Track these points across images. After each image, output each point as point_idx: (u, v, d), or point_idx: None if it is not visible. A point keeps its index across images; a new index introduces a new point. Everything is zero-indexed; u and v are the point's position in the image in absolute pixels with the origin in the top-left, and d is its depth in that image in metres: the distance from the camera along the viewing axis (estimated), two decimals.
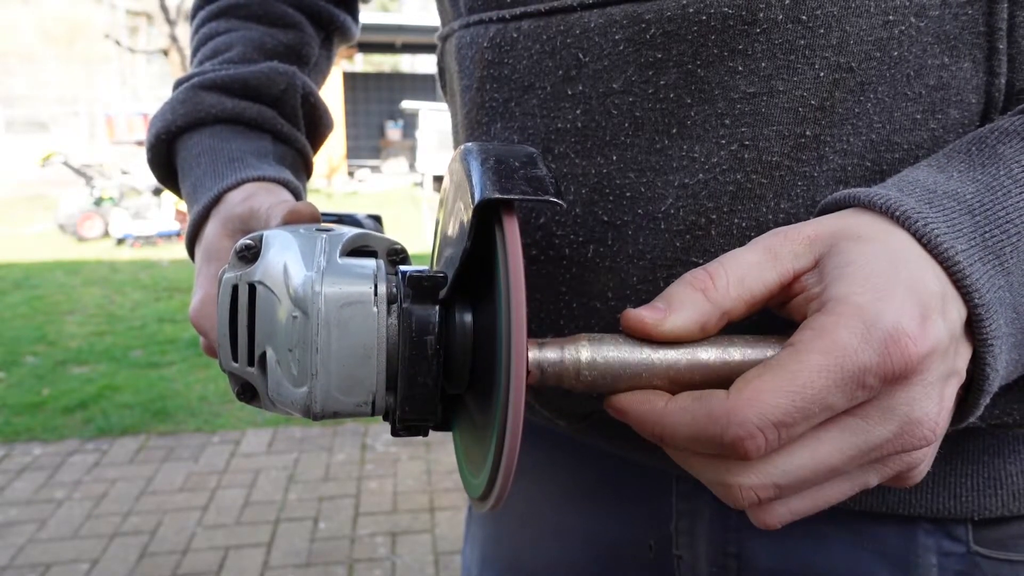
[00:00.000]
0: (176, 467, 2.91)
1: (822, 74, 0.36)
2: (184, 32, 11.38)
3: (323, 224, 0.41)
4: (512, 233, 0.30)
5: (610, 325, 0.42)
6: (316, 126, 0.64)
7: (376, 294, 0.33)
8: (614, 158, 0.41)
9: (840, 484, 0.31)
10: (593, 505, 0.54)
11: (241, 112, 0.57)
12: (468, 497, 0.37)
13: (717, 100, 0.38)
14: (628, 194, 0.40)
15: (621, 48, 0.40)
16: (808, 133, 0.37)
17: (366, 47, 15.49)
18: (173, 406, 3.46)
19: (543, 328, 0.45)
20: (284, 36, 0.64)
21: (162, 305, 5.22)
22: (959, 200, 0.31)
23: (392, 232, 0.46)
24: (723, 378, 0.31)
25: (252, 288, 0.35)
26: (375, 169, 14.23)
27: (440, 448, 3.03)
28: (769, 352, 0.31)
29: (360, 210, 0.55)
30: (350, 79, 14.76)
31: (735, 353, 0.32)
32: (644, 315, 0.31)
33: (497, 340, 0.31)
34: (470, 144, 0.36)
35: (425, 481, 2.79)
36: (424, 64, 21.90)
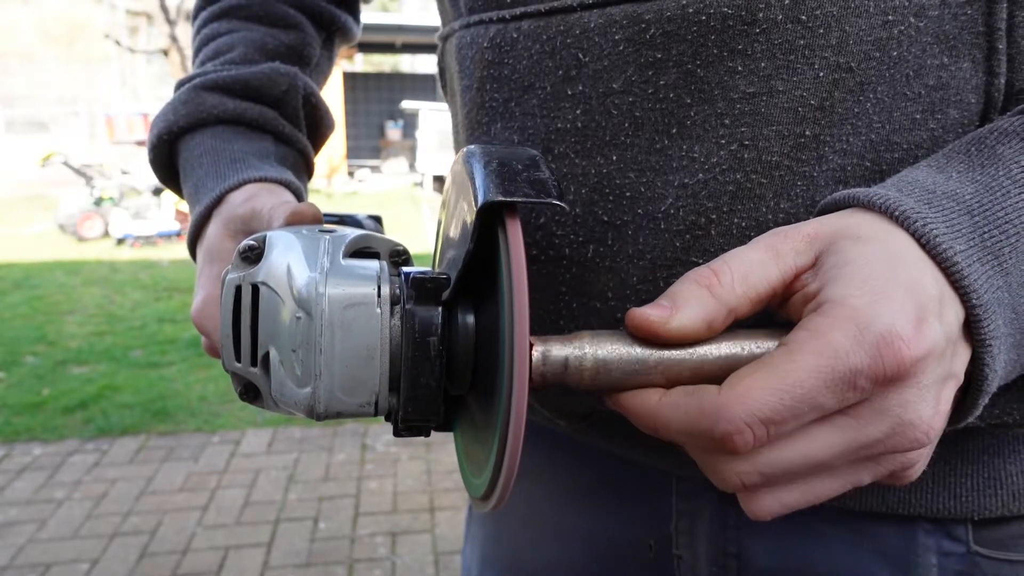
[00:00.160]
0: (176, 467, 2.91)
1: (822, 74, 0.36)
2: (184, 32, 11.38)
3: (326, 225, 0.42)
4: (515, 235, 0.31)
5: (610, 325, 0.42)
6: (317, 127, 0.64)
7: (379, 295, 0.34)
8: (614, 158, 0.41)
9: (831, 480, 0.31)
10: (593, 505, 0.55)
11: (243, 113, 0.57)
12: (469, 497, 0.37)
13: (717, 100, 0.38)
14: (628, 194, 0.41)
15: (621, 48, 0.40)
16: (808, 133, 0.37)
17: (366, 47, 15.49)
18: (173, 406, 3.46)
19: (543, 328, 0.45)
20: (285, 37, 0.64)
21: (162, 305, 5.22)
22: (958, 200, 0.32)
23: (392, 232, 0.46)
24: (724, 374, 0.31)
25: (255, 289, 0.35)
26: (375, 169, 14.23)
27: (440, 448, 3.03)
28: (768, 349, 0.32)
29: (360, 210, 0.56)
30: (350, 79, 14.76)
31: (735, 349, 0.32)
32: (650, 314, 0.31)
33: (500, 341, 0.31)
34: (473, 147, 0.37)
35: (425, 481, 2.79)
36: (424, 64, 21.90)
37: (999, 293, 0.31)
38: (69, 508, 2.60)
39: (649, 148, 0.40)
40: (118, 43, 13.50)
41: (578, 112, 0.42)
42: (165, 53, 11.84)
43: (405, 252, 0.40)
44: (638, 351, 0.32)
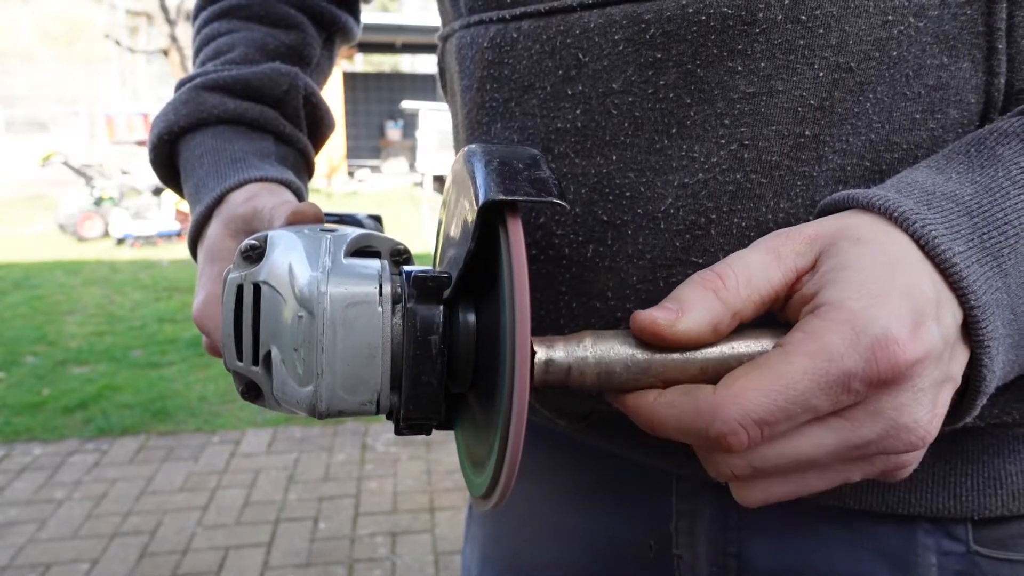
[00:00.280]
0: (176, 467, 2.91)
1: (821, 74, 0.36)
2: (184, 32, 11.38)
3: (327, 225, 0.42)
4: (516, 235, 0.31)
5: (610, 325, 0.42)
6: (318, 126, 0.64)
7: (381, 294, 0.34)
8: (614, 158, 0.41)
9: (822, 475, 0.32)
10: (593, 505, 0.55)
11: (243, 113, 0.57)
12: (470, 495, 0.37)
13: (716, 100, 0.38)
14: (628, 194, 0.41)
15: (621, 48, 0.40)
16: (807, 133, 0.37)
17: (366, 47, 15.50)
18: (173, 406, 3.46)
19: (543, 327, 0.45)
20: (286, 37, 0.64)
21: (162, 305, 5.22)
22: (957, 201, 0.32)
23: (392, 232, 0.47)
24: (727, 370, 0.32)
25: (257, 288, 0.35)
26: (375, 169, 14.24)
27: (440, 448, 3.03)
28: (767, 349, 0.32)
29: (360, 210, 0.56)
30: (350, 79, 14.76)
31: (736, 349, 0.32)
32: (656, 316, 0.31)
33: (501, 340, 0.31)
34: (474, 146, 0.37)
35: (425, 481, 2.79)
36: (424, 64, 21.90)
37: (998, 294, 0.31)
38: (69, 508, 2.60)
39: (649, 148, 0.40)
40: (118, 43, 13.50)
41: (578, 112, 0.42)
42: (165, 53, 11.85)
43: (406, 251, 0.40)
44: (640, 353, 0.32)
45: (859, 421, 0.30)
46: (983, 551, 0.43)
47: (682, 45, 0.38)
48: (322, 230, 0.38)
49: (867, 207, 0.32)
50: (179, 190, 0.60)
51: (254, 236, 0.37)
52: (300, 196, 0.54)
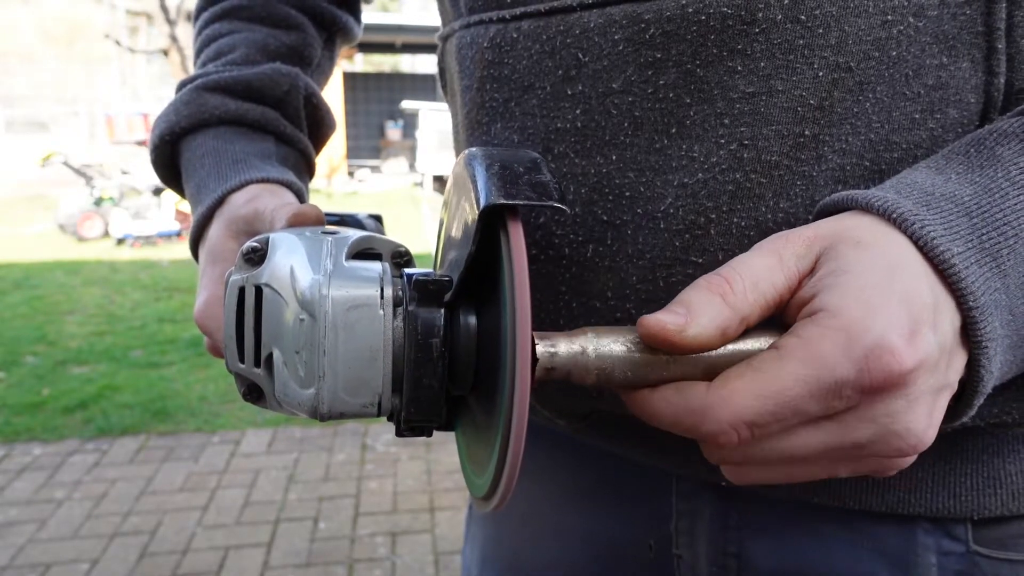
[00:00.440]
0: (176, 467, 2.91)
1: (821, 74, 0.36)
2: (184, 32, 11.38)
3: (328, 227, 0.42)
4: (517, 238, 0.31)
5: (609, 324, 0.42)
6: (318, 127, 0.64)
7: (383, 297, 0.34)
8: (613, 158, 0.41)
9: (808, 469, 0.32)
10: (593, 505, 0.55)
11: (244, 114, 0.57)
12: (472, 497, 0.37)
13: (716, 100, 0.38)
14: (627, 193, 0.41)
15: (620, 48, 0.40)
16: (807, 133, 0.37)
17: (366, 47, 15.49)
18: (173, 406, 3.46)
19: (543, 327, 0.45)
20: (287, 37, 0.64)
21: (162, 305, 5.22)
22: (957, 202, 0.32)
23: (392, 232, 0.47)
24: (726, 367, 0.32)
25: (259, 290, 0.35)
26: (375, 169, 14.23)
27: (440, 448, 3.03)
28: (769, 344, 0.32)
29: (360, 210, 0.56)
30: (350, 79, 14.76)
31: (738, 347, 0.32)
32: (666, 322, 0.30)
33: (502, 343, 0.31)
34: (474, 149, 0.37)
35: (425, 481, 2.79)
36: (424, 64, 21.90)
37: (996, 295, 0.31)
38: (69, 508, 2.60)
39: (648, 148, 0.40)
40: (118, 43, 13.50)
41: (578, 112, 0.42)
42: (165, 53, 11.84)
43: (407, 253, 0.40)
44: (642, 351, 0.32)
45: (850, 425, 0.30)
46: (983, 551, 0.43)
47: (682, 45, 0.38)
48: (323, 232, 0.38)
49: (866, 208, 0.32)
50: (180, 191, 0.60)
51: (256, 238, 0.37)
52: (301, 197, 0.54)
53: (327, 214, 0.50)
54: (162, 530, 2.47)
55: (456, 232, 0.38)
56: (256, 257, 0.36)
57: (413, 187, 12.30)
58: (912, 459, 0.32)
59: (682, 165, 0.39)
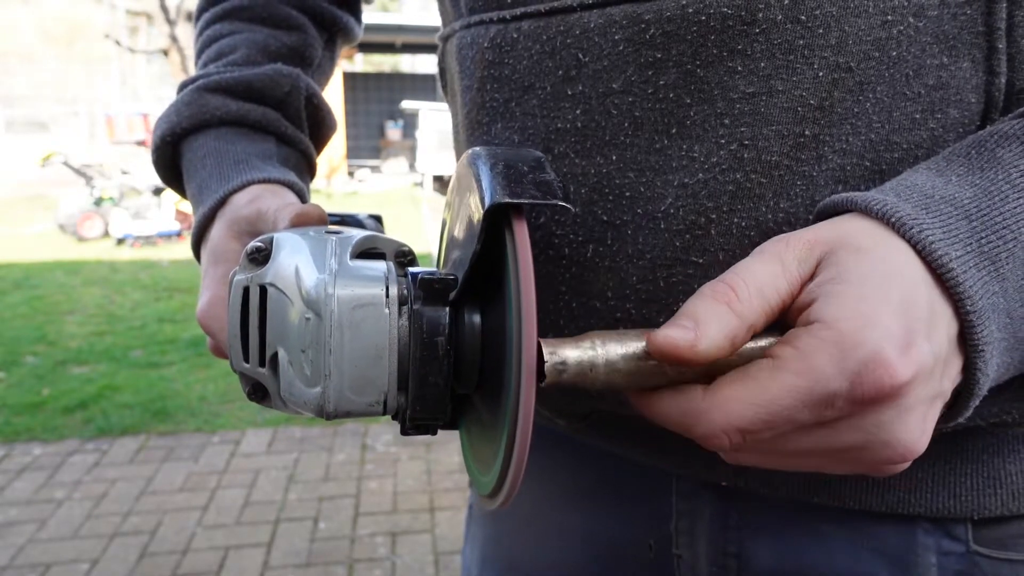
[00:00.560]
0: (176, 467, 2.91)
1: (821, 74, 0.36)
2: (184, 32, 11.37)
3: (331, 227, 0.42)
4: (522, 236, 0.31)
5: (610, 325, 0.42)
6: (319, 127, 0.64)
7: (388, 296, 0.34)
8: (614, 158, 0.41)
9: (800, 462, 0.33)
10: (593, 505, 0.55)
11: (246, 114, 0.57)
12: (477, 495, 0.38)
13: (716, 100, 0.38)
14: (628, 194, 0.41)
15: (621, 48, 0.40)
16: (807, 133, 0.37)
17: (366, 47, 15.49)
18: (173, 406, 3.46)
19: (543, 327, 0.45)
20: (288, 38, 0.64)
21: (162, 305, 5.21)
22: (956, 205, 0.32)
23: (392, 232, 0.47)
24: (725, 368, 0.32)
25: (263, 290, 0.35)
26: (375, 169, 14.23)
27: (440, 448, 3.03)
28: (767, 348, 0.32)
29: (360, 210, 0.56)
30: (350, 79, 14.76)
31: (741, 349, 0.32)
32: (676, 339, 0.30)
33: (507, 341, 0.31)
34: (478, 148, 0.37)
35: (425, 481, 2.79)
36: (424, 64, 21.90)
37: (994, 299, 0.31)
38: (69, 508, 2.60)
39: (649, 148, 0.40)
40: (118, 43, 13.49)
41: (578, 112, 0.42)
42: (165, 53, 11.84)
43: (410, 253, 0.40)
44: (648, 358, 0.32)
45: (840, 432, 0.30)
46: (983, 551, 0.43)
47: (682, 45, 0.38)
48: (327, 232, 0.38)
49: (865, 211, 0.32)
50: (182, 191, 0.60)
51: (260, 238, 0.37)
52: (303, 197, 0.55)
53: (328, 215, 0.50)
54: (162, 530, 2.47)
55: (460, 231, 0.38)
56: (260, 257, 0.36)
57: (413, 187, 12.29)
58: (905, 466, 0.32)
59: (682, 165, 0.39)
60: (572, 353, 0.32)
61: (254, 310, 0.36)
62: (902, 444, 0.30)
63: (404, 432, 0.36)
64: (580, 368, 0.32)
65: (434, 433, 0.37)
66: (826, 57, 0.36)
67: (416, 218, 8.68)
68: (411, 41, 13.70)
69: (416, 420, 0.35)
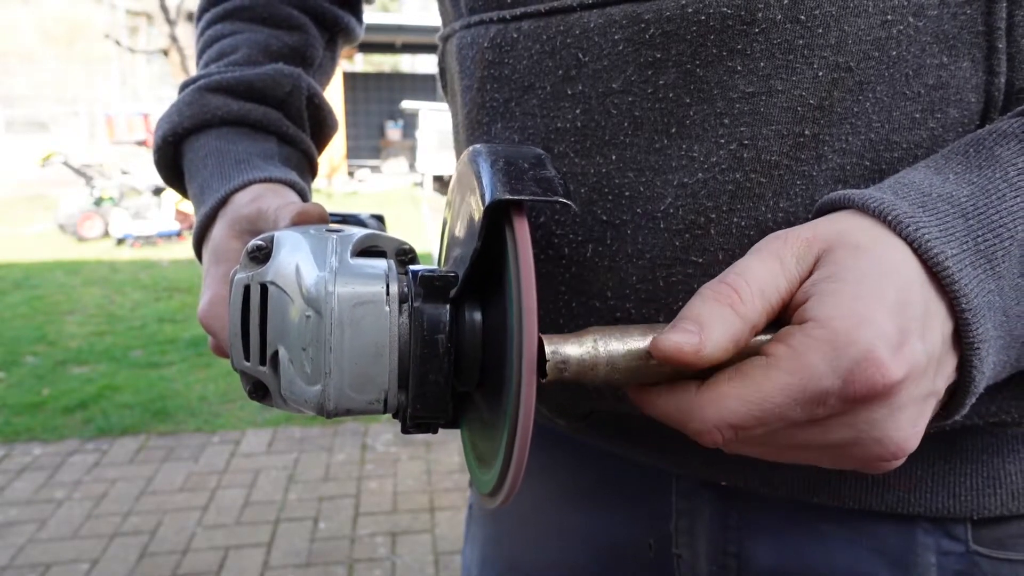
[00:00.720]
0: (176, 467, 2.91)
1: (821, 74, 0.36)
2: (184, 32, 11.37)
3: (332, 225, 0.42)
4: (522, 234, 0.31)
5: (609, 324, 0.42)
6: (321, 127, 0.64)
7: (388, 294, 0.34)
8: (613, 157, 0.41)
9: (793, 454, 0.33)
10: (593, 504, 0.55)
11: (247, 114, 0.58)
12: (478, 493, 0.38)
13: (716, 100, 0.38)
14: (627, 193, 0.41)
15: (620, 48, 0.40)
16: (807, 132, 0.37)
17: (366, 47, 15.48)
18: (173, 406, 3.46)
19: (542, 327, 0.45)
20: (289, 38, 0.64)
21: (162, 305, 5.21)
22: (953, 203, 0.32)
23: (392, 232, 0.47)
24: (721, 364, 0.32)
25: (264, 288, 0.35)
26: (375, 169, 14.23)
27: (440, 448, 3.03)
28: (761, 344, 0.32)
29: (361, 210, 0.56)
30: (350, 79, 14.75)
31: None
32: (681, 344, 0.30)
33: (508, 338, 0.31)
34: (479, 145, 0.37)
35: (425, 481, 2.79)
36: (424, 64, 21.89)
37: (990, 297, 0.31)
38: (69, 508, 2.60)
39: (648, 147, 0.40)
40: (118, 43, 13.49)
41: (578, 112, 0.42)
42: (165, 53, 11.84)
43: (411, 251, 0.40)
44: (648, 355, 0.32)
45: (831, 429, 0.31)
46: (982, 551, 0.43)
47: (681, 45, 0.38)
48: (328, 230, 0.38)
49: (862, 209, 0.32)
50: (183, 191, 0.60)
51: (260, 237, 0.37)
52: (304, 196, 0.55)
53: (329, 214, 0.50)
54: (162, 530, 2.46)
55: (461, 229, 0.38)
56: (261, 255, 0.36)
57: (413, 187, 12.29)
58: (898, 463, 0.32)
59: (682, 165, 0.39)
60: (573, 350, 0.32)
61: (255, 308, 0.36)
62: (893, 442, 0.30)
63: (405, 431, 0.36)
64: (581, 365, 0.32)
65: (435, 432, 0.37)
66: (826, 57, 0.36)
67: (416, 218, 8.68)
68: (411, 41, 13.70)
69: (417, 418, 0.35)
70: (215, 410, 3.43)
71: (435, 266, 0.39)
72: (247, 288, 0.36)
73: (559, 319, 0.44)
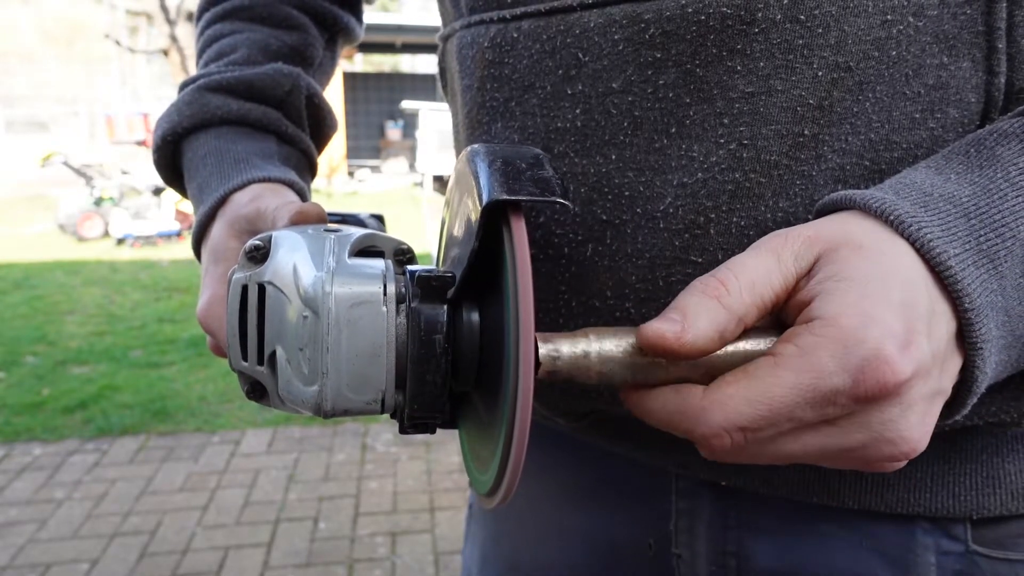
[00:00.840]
0: (176, 467, 2.91)
1: (820, 73, 0.36)
2: (184, 32, 11.37)
3: (330, 225, 0.42)
4: (519, 234, 0.31)
5: (609, 323, 0.42)
6: (320, 127, 0.64)
7: (385, 294, 0.34)
8: (613, 157, 0.41)
9: (797, 459, 0.33)
10: (593, 504, 0.55)
11: (246, 114, 0.58)
12: (475, 494, 0.37)
13: (716, 99, 0.38)
14: (627, 193, 0.41)
15: (620, 48, 0.40)
16: (807, 132, 0.37)
17: (366, 47, 15.49)
18: (173, 406, 3.46)
19: (542, 326, 0.45)
20: (289, 38, 0.64)
21: (162, 305, 5.21)
22: (955, 203, 0.32)
23: (392, 232, 0.47)
24: (724, 371, 0.32)
25: (262, 288, 0.35)
26: (375, 169, 14.23)
27: (440, 448, 3.03)
28: (764, 349, 0.32)
29: (361, 210, 0.56)
30: (350, 79, 14.75)
31: (736, 347, 0.32)
32: (664, 331, 0.31)
33: (505, 338, 0.31)
34: (477, 145, 0.37)
35: (425, 481, 2.79)
36: (424, 64, 21.90)
37: (993, 296, 0.31)
38: (69, 508, 2.60)
39: (648, 147, 0.40)
40: (118, 43, 13.48)
41: (578, 111, 0.42)
42: (165, 53, 11.83)
43: (409, 251, 0.40)
44: (643, 354, 0.32)
45: (845, 430, 0.30)
46: (982, 551, 0.43)
47: (681, 45, 0.38)
48: (326, 230, 0.38)
49: (864, 209, 0.32)
50: (183, 191, 0.60)
51: (258, 236, 0.37)
52: (303, 196, 0.55)
53: (329, 214, 0.50)
54: (162, 530, 2.46)
55: (458, 229, 0.38)
56: (259, 255, 0.36)
57: (413, 187, 12.29)
58: (904, 463, 0.32)
59: (681, 165, 0.39)
60: (568, 348, 0.32)
61: (252, 308, 0.36)
62: (906, 442, 0.30)
63: (403, 431, 0.36)
64: (575, 362, 0.32)
65: (432, 432, 0.37)
66: (825, 57, 0.36)
67: (416, 218, 8.68)
68: (411, 41, 13.70)
69: (414, 419, 0.35)
70: (215, 410, 3.43)
71: (433, 266, 0.39)
72: (244, 288, 0.36)
73: (559, 319, 0.44)
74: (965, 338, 0.31)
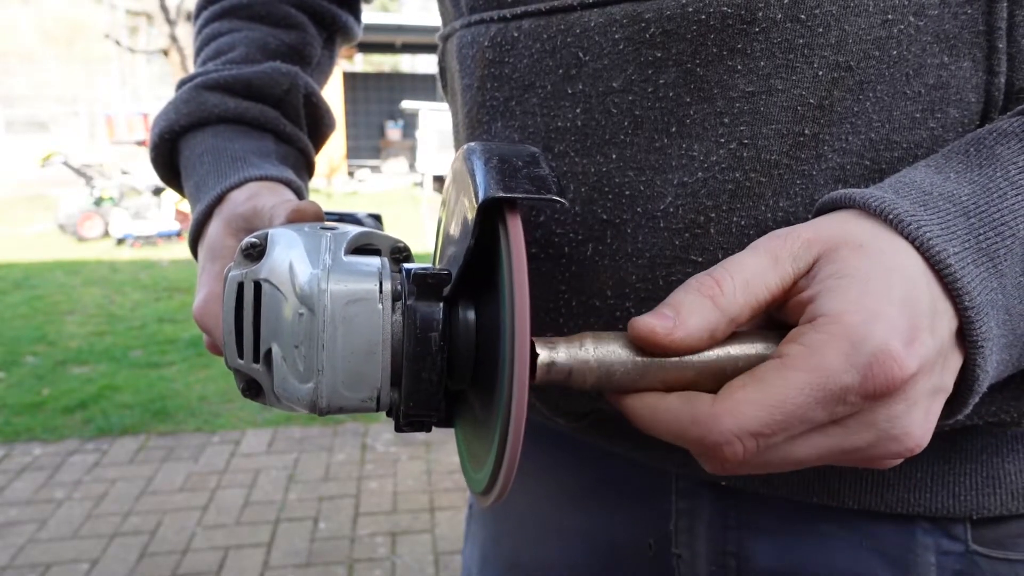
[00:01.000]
0: (176, 467, 2.91)
1: (821, 73, 0.36)
2: (184, 32, 11.38)
3: (327, 223, 0.42)
4: (515, 231, 0.31)
5: (609, 323, 0.42)
6: (318, 126, 0.64)
7: (381, 291, 0.34)
8: (613, 156, 0.41)
9: (803, 463, 0.32)
10: (593, 504, 0.55)
11: (244, 112, 0.57)
12: (471, 492, 0.37)
13: (716, 99, 0.38)
14: (627, 192, 0.41)
15: (621, 47, 0.40)
16: (807, 132, 0.37)
17: (366, 47, 15.50)
18: (173, 406, 3.46)
19: (542, 326, 0.45)
20: (287, 36, 0.64)
21: (162, 305, 5.22)
22: (954, 202, 0.32)
23: (392, 232, 0.47)
24: (724, 378, 0.32)
25: (258, 286, 0.35)
26: (375, 169, 14.24)
27: (440, 448, 3.03)
28: (766, 354, 0.32)
29: (360, 210, 0.56)
30: (350, 79, 14.76)
31: (733, 351, 0.32)
32: (654, 325, 0.31)
33: (501, 336, 0.31)
34: (473, 143, 0.37)
35: (425, 481, 2.79)
36: (424, 64, 21.91)
37: (993, 295, 0.31)
38: (69, 508, 2.60)
39: (648, 147, 0.40)
40: (118, 43, 13.49)
41: (578, 111, 0.42)
42: (165, 53, 11.84)
43: (406, 249, 0.40)
44: (639, 356, 0.32)
45: (852, 429, 0.30)
46: (982, 550, 0.43)
47: (682, 44, 0.38)
48: (322, 228, 0.38)
49: (863, 208, 0.32)
50: (180, 189, 0.60)
51: (255, 234, 0.37)
52: (300, 195, 0.55)
53: (327, 213, 0.50)
54: (162, 530, 2.47)
55: (455, 228, 0.38)
56: (255, 253, 0.36)
57: (413, 187, 12.30)
58: (902, 459, 0.32)
59: (682, 164, 0.39)
60: (563, 348, 0.32)
61: (248, 306, 0.35)
62: (910, 437, 0.30)
63: (398, 428, 0.36)
64: (571, 360, 0.32)
65: (428, 430, 0.37)
66: (826, 56, 0.36)
67: (416, 218, 8.68)
68: (411, 41, 13.71)
69: (410, 417, 0.35)
70: (215, 410, 3.43)
71: (430, 264, 0.39)
72: (240, 285, 0.36)
73: (559, 318, 0.44)
74: (966, 336, 0.31)
